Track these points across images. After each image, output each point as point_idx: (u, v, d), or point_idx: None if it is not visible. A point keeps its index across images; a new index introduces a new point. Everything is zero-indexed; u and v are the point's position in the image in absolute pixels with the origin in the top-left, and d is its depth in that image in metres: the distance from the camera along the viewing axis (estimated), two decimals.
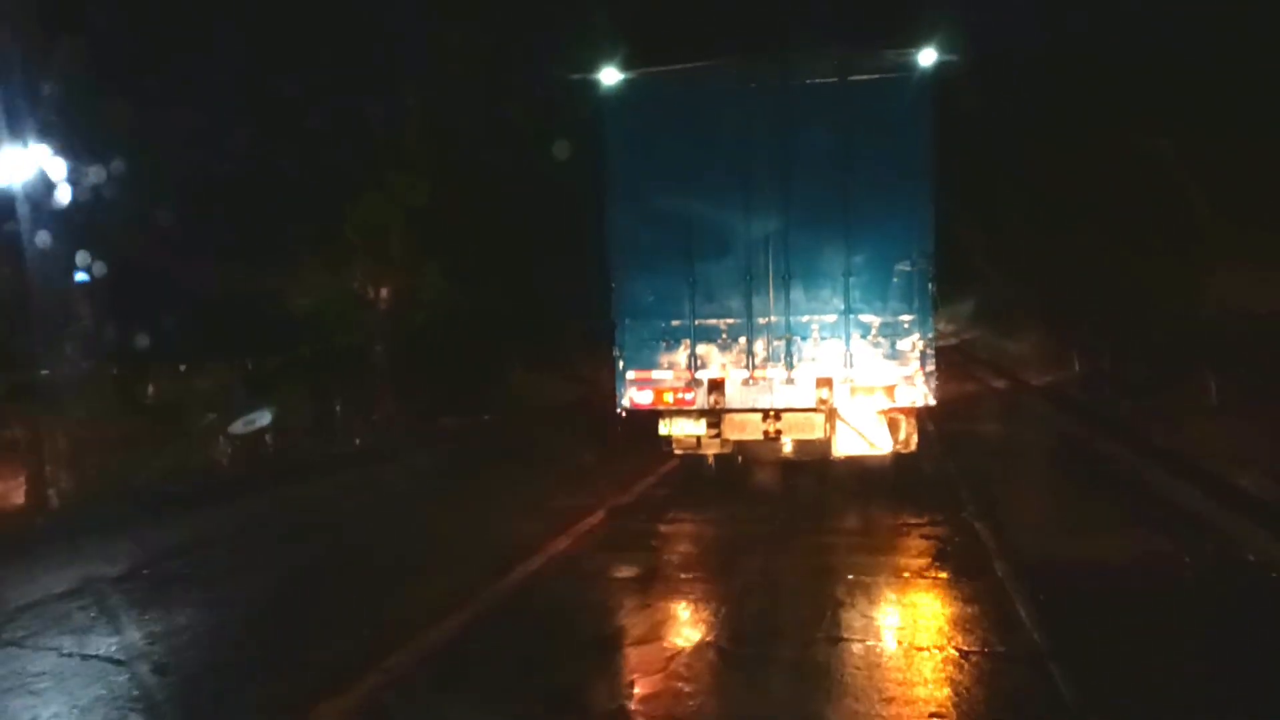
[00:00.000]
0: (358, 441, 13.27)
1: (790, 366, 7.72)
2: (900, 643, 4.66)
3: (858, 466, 8.38)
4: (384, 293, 15.27)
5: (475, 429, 15.00)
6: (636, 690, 4.14)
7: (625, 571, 6.13)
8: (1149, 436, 10.39)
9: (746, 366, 7.78)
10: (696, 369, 7.85)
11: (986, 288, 29.57)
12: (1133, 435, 10.86)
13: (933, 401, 7.66)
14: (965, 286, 32.49)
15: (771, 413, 7.78)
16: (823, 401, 7.65)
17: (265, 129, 12.71)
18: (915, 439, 8.05)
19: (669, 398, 7.88)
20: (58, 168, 8.98)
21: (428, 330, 15.82)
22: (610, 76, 7.89)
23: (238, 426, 11.60)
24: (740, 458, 8.79)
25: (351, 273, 14.99)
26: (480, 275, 16.22)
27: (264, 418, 11.74)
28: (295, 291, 14.05)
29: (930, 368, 7.55)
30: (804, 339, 7.71)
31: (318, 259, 14.24)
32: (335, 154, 13.98)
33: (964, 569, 5.90)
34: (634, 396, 7.96)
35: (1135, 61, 13.50)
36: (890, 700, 3.88)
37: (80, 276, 9.65)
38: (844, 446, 7.89)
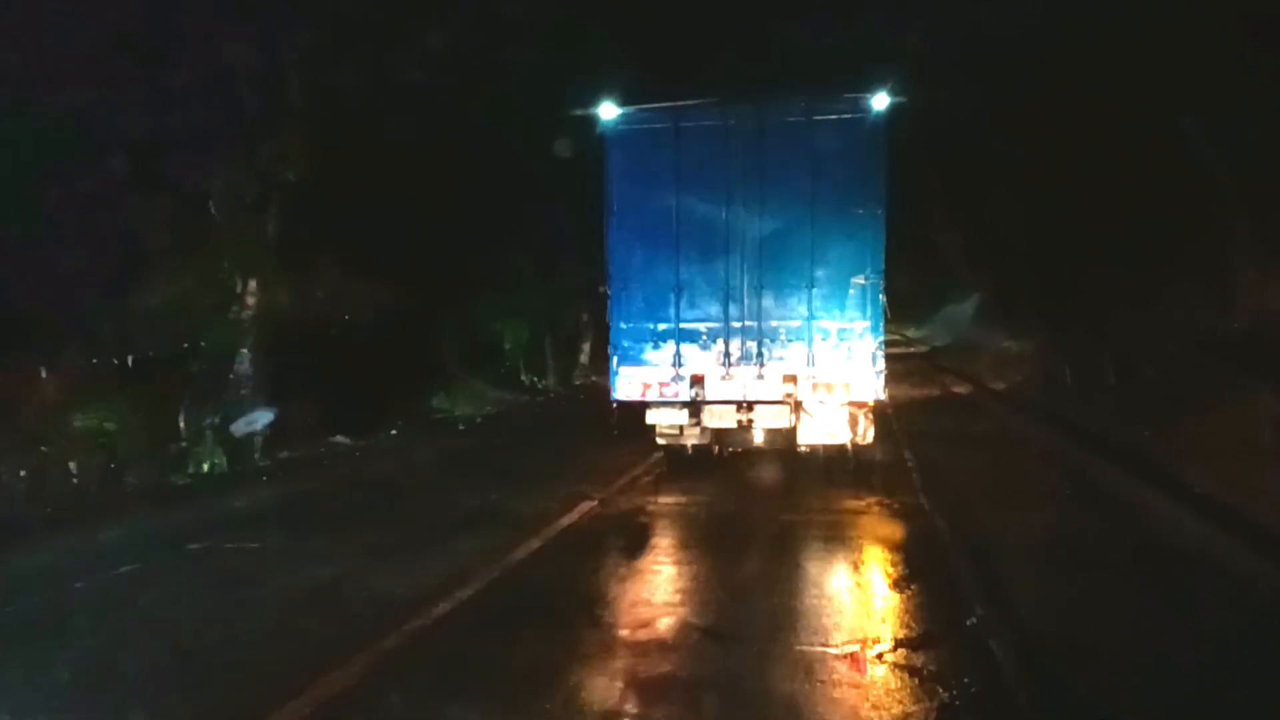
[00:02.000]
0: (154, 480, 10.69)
1: (761, 364, 9.14)
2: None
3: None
4: (252, 285, 13.02)
5: (359, 452, 13.10)
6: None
7: None
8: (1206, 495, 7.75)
9: (723, 364, 9.22)
10: (680, 365, 9.21)
11: (970, 293, 29.90)
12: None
13: (883, 397, 9.09)
14: (948, 294, 33.53)
15: (744, 404, 9.22)
16: (789, 395, 9.06)
17: (111, 75, 10.40)
18: (872, 432, 9.50)
19: (656, 390, 9.23)
20: None
21: (323, 332, 13.96)
22: (609, 111, 9.27)
23: (239, 426, 11.16)
24: (717, 448, 10.23)
25: (216, 261, 12.77)
26: (398, 270, 14.41)
27: (264, 418, 11.16)
28: (140, 283, 11.46)
29: (880, 367, 9.00)
30: (773, 341, 9.14)
31: (169, 243, 11.71)
32: (199, 114, 11.64)
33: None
34: (626, 390, 9.38)
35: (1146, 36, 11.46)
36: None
37: None
38: (807, 436, 9.31)
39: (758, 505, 9.16)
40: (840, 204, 9.02)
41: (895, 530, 7.86)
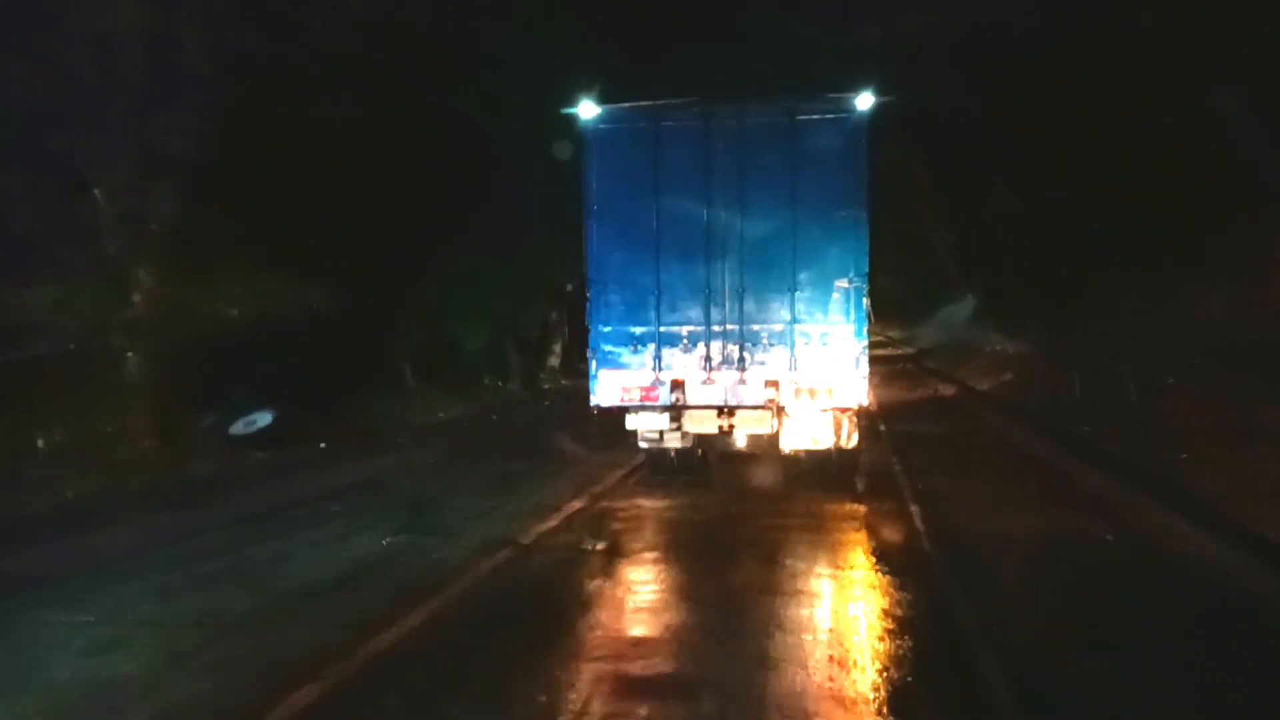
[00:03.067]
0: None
1: (743, 369, 9.10)
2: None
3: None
4: (142, 277, 11.66)
5: (267, 471, 11.83)
6: None
7: None
8: None
9: (705, 368, 9.20)
10: (661, 370, 9.16)
11: (963, 293, 29.55)
12: None
13: (866, 402, 9.10)
14: (937, 295, 33.36)
15: (726, 409, 9.23)
16: (771, 400, 9.02)
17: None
18: (856, 436, 9.54)
19: (636, 395, 9.19)
20: None
21: (239, 334, 12.44)
22: (588, 110, 9.23)
23: (238, 427, 10.74)
24: (700, 451, 10.25)
25: (100, 251, 11.43)
26: (337, 265, 13.36)
27: (264, 418, 10.70)
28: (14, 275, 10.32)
29: (864, 371, 8.99)
30: (755, 345, 9.11)
31: (47, 230, 10.53)
32: (77, 81, 10.51)
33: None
34: (605, 394, 9.34)
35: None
36: None
37: None
38: (790, 441, 9.29)
39: (733, 536, 7.94)
40: (823, 206, 9.05)
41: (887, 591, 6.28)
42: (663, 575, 6.82)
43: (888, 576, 6.48)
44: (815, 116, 9.05)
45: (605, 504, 9.27)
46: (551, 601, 6.09)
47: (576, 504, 9.17)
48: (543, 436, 13.62)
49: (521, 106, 14.18)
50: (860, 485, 9.60)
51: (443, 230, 16.88)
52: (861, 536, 7.76)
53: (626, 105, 9.46)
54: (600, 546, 7.38)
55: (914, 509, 8.56)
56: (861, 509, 8.73)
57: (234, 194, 12.05)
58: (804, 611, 5.74)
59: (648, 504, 9.29)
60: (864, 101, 8.93)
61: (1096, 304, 14.26)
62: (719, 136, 9.19)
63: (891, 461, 11.20)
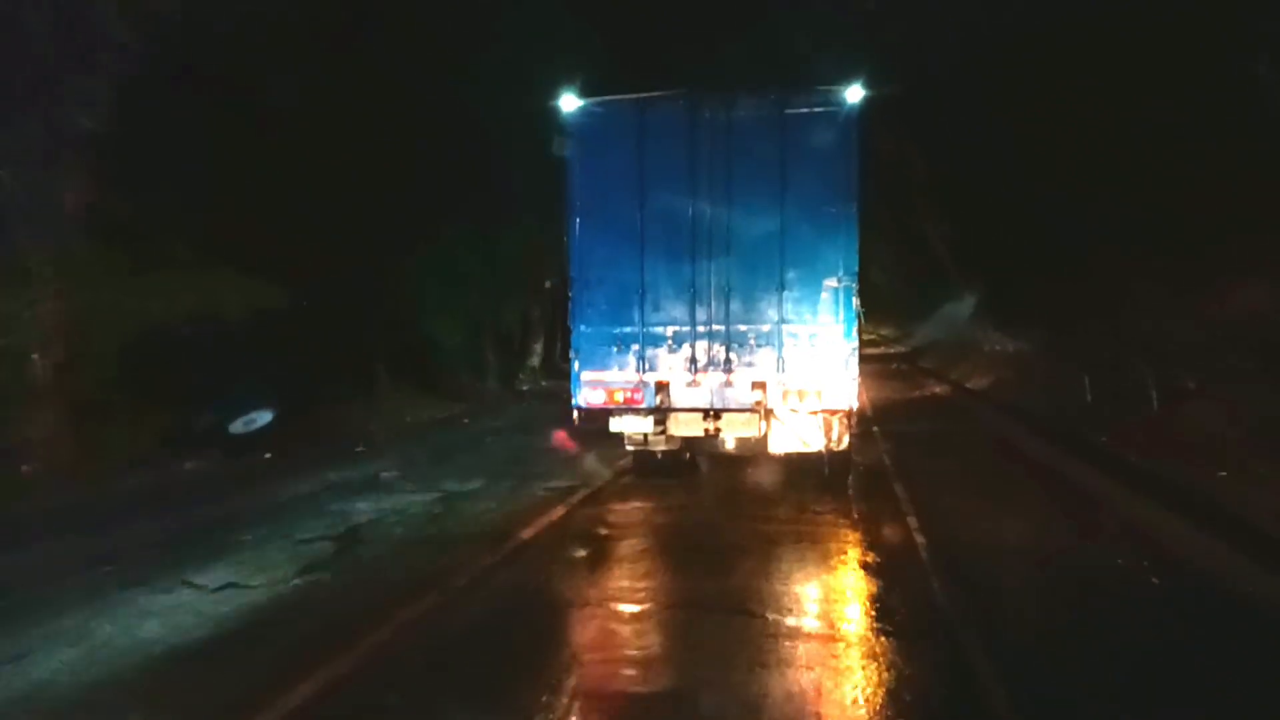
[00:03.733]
0: None
1: (729, 370, 8.91)
2: None
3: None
4: (51, 272, 10.55)
5: (206, 481, 10.82)
6: None
7: None
8: None
9: (690, 370, 9.02)
10: (645, 371, 8.99)
11: (961, 290, 28.90)
12: None
13: (855, 405, 8.85)
14: (933, 291, 33.04)
15: (712, 412, 9.10)
16: (758, 403, 8.84)
17: None
18: (847, 438, 9.40)
19: (620, 397, 9.04)
20: None
21: (167, 334, 11.37)
22: (570, 103, 8.98)
23: (237, 426, 10.29)
24: (689, 454, 10.23)
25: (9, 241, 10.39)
26: (292, 260, 12.40)
27: (264, 417, 10.22)
28: None
29: (854, 373, 8.85)
30: (742, 346, 8.90)
31: None
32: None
33: None
34: (588, 396, 9.12)
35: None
36: None
37: None
38: (778, 444, 9.16)
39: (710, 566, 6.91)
40: (813, 202, 8.90)
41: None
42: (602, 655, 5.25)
43: (892, 639, 5.25)
44: (804, 109, 8.88)
45: (562, 532, 8.14)
46: (475, 660, 5.16)
47: (526, 533, 7.97)
48: (510, 445, 13.09)
49: (505, 91, 13.60)
50: (855, 513, 8.52)
51: (417, 221, 16.24)
52: (863, 586, 6.48)
53: (610, 97, 9.25)
54: (544, 595, 6.28)
55: (920, 539, 7.38)
56: (859, 537, 7.65)
57: (170, 179, 10.90)
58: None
59: (614, 527, 8.28)
60: (854, 94, 8.76)
61: (1106, 299, 13.28)
62: (705, 129, 9.01)
63: (891, 483, 9.91)
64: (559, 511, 8.83)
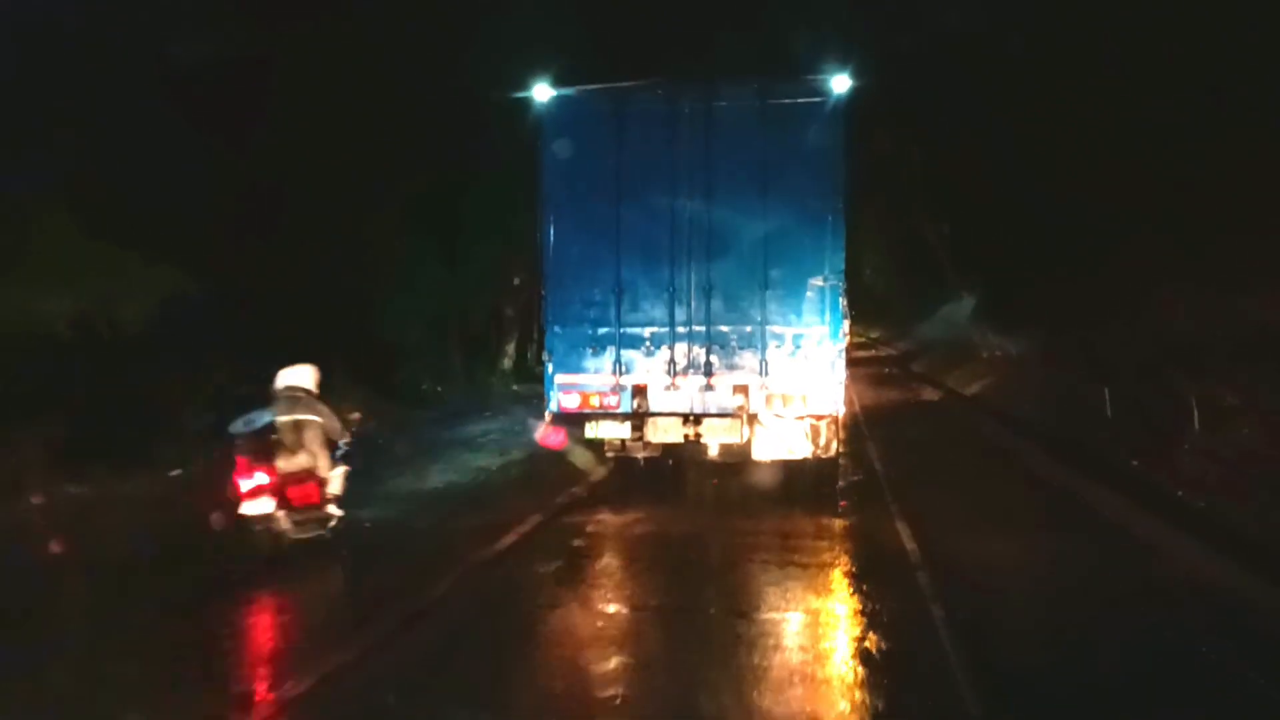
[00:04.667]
0: None
1: (709, 374, 8.63)
2: None
3: None
4: None
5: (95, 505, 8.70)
6: None
7: None
8: None
9: (669, 373, 8.77)
10: (621, 374, 8.66)
11: (959, 291, 28.40)
12: None
13: (841, 410, 8.47)
14: (929, 291, 32.68)
15: (692, 417, 8.81)
16: (741, 408, 8.53)
17: None
18: (835, 444, 9.08)
19: (595, 401, 8.74)
20: None
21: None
22: (543, 94, 8.75)
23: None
24: (671, 461, 9.86)
25: None
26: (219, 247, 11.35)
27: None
28: None
29: (840, 376, 8.56)
30: (723, 348, 8.61)
31: None
32: None
33: None
34: (562, 400, 8.83)
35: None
36: None
37: None
38: (763, 451, 8.94)
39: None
40: (797, 196, 8.64)
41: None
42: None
43: None
44: (789, 100, 8.63)
45: (482, 587, 6.55)
46: None
47: (442, 585, 6.40)
48: (456, 463, 11.66)
49: (473, 70, 12.95)
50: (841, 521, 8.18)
51: (373, 211, 15.09)
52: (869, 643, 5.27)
53: (585, 87, 8.95)
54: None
55: (937, 611, 5.58)
56: (860, 598, 6.22)
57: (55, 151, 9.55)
58: None
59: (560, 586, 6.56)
60: (841, 84, 8.48)
61: (1125, 300, 12.00)
62: (685, 121, 8.73)
63: (895, 524, 8.19)
64: (522, 531, 7.76)
